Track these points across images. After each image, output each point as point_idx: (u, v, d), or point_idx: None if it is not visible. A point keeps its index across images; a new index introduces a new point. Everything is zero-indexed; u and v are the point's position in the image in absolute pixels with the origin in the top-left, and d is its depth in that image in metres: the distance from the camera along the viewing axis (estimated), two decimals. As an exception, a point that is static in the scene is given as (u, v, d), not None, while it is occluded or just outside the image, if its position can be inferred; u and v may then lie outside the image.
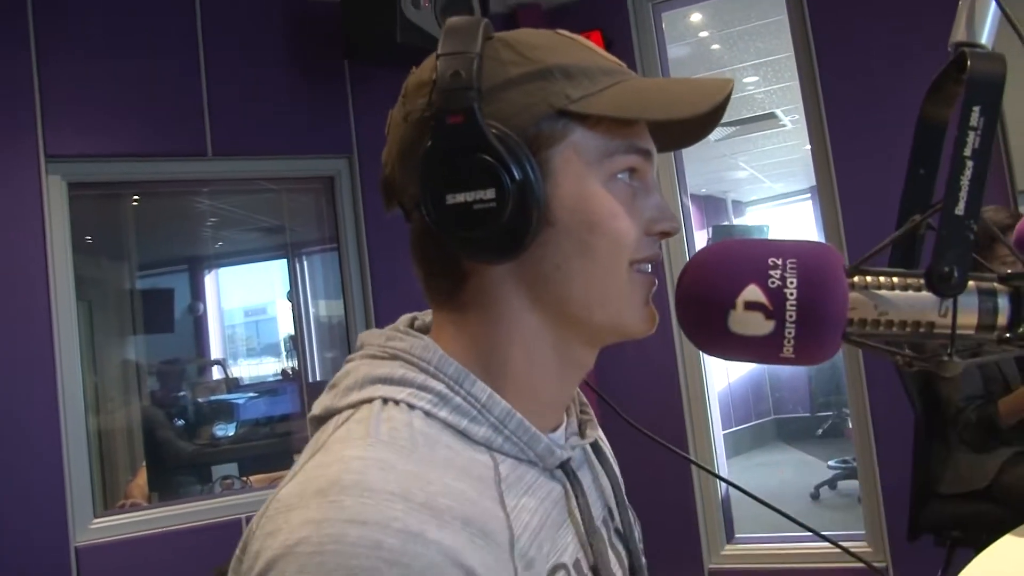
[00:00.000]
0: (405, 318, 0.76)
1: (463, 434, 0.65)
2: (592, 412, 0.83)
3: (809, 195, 8.72)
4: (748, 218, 9.63)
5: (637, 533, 0.85)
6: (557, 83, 0.66)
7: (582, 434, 0.78)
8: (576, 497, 0.72)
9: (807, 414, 8.20)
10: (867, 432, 3.36)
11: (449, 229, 0.64)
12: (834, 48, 3.40)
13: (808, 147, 3.64)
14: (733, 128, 6.69)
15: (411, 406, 0.64)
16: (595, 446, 0.81)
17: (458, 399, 0.65)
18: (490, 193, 0.63)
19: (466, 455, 0.64)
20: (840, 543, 0.94)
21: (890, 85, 3.24)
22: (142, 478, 3.58)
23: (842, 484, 5.87)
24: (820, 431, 7.80)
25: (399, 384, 0.65)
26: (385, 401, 0.64)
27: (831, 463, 6.11)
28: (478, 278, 0.68)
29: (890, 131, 3.13)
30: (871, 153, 3.28)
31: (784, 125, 6.76)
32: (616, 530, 0.78)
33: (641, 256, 0.70)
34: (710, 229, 8.26)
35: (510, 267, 0.67)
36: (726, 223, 8.97)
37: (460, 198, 0.63)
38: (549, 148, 0.66)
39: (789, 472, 6.86)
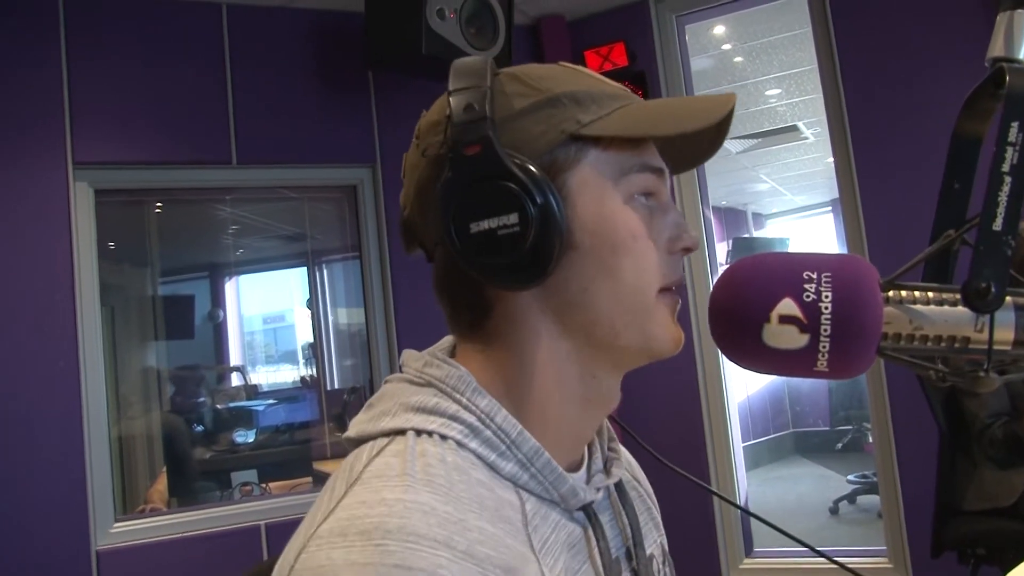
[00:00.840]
0: (447, 341, 0.76)
1: (491, 468, 0.65)
2: (620, 450, 0.82)
3: (830, 208, 8.68)
4: (769, 231, 9.59)
5: (667, 572, 0.84)
6: (567, 109, 0.68)
7: (607, 472, 0.78)
8: (597, 540, 0.71)
9: (826, 428, 8.14)
10: (889, 446, 3.33)
11: (474, 258, 0.64)
12: (858, 60, 3.39)
13: (830, 160, 3.62)
14: (755, 140, 6.66)
15: (443, 437, 0.64)
16: (618, 485, 0.80)
17: (488, 432, 0.65)
18: (513, 218, 0.63)
19: (497, 494, 0.64)
20: (837, 559, 0.91)
21: (915, 98, 3.22)
22: (162, 483, 3.60)
23: (861, 499, 5.82)
24: (839, 445, 7.73)
25: (431, 413, 0.66)
26: (419, 433, 0.64)
27: (851, 477, 6.07)
28: (503, 307, 0.69)
29: (915, 144, 3.13)
30: (895, 166, 3.26)
31: (806, 138, 6.73)
32: (633, 570, 0.78)
33: (669, 281, 0.70)
34: (730, 242, 8.24)
35: (535, 294, 0.67)
36: (746, 236, 8.94)
37: (484, 225, 0.64)
38: (565, 172, 0.67)
39: (808, 486, 6.80)
